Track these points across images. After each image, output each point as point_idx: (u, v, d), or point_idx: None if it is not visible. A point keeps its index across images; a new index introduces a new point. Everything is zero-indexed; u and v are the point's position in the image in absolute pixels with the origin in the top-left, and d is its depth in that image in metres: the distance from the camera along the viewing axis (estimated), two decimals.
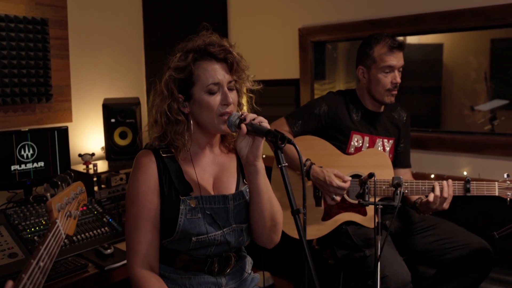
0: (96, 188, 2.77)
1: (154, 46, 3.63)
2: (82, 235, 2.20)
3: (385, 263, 2.02)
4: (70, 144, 2.75)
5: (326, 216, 2.37)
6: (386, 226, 2.21)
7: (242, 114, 1.50)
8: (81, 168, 2.87)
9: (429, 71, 3.39)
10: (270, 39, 3.29)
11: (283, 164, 1.40)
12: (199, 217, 1.55)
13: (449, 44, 3.30)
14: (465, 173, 2.56)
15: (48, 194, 1.30)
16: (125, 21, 3.52)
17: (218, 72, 1.54)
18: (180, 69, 1.54)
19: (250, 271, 1.74)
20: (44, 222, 2.24)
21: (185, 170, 1.61)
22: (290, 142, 1.38)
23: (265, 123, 1.47)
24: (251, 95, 1.68)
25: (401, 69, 2.37)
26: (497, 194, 2.14)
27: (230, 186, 1.66)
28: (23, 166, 2.54)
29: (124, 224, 2.41)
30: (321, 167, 2.31)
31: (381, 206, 2.00)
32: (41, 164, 2.60)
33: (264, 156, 2.29)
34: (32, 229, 2.17)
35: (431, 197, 2.14)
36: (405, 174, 2.52)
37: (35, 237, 2.13)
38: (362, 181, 2.08)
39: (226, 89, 1.54)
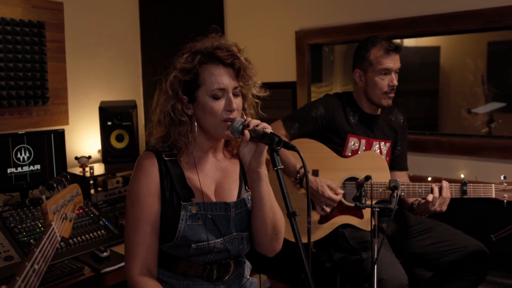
0: (92, 191, 2.77)
1: (150, 49, 3.62)
2: (78, 238, 2.20)
3: (382, 266, 2.02)
4: (66, 147, 2.74)
5: (323, 219, 2.36)
6: (383, 229, 2.21)
7: (245, 120, 1.48)
8: (77, 171, 2.86)
9: (426, 73, 3.39)
10: (267, 41, 3.29)
11: (279, 167, 1.40)
12: (199, 224, 1.53)
13: (446, 46, 3.30)
14: (462, 175, 2.56)
15: (44, 196, 1.30)
16: (121, 24, 3.52)
17: (224, 77, 1.51)
18: (186, 71, 1.52)
19: (248, 277, 1.72)
20: (40, 225, 2.23)
21: (187, 175, 1.58)
22: (294, 149, 1.37)
23: (269, 129, 1.44)
24: (257, 100, 1.65)
25: (398, 72, 2.37)
26: (494, 196, 2.14)
27: (232, 193, 1.64)
28: (19, 169, 2.53)
29: (120, 227, 2.43)
30: (316, 171, 2.30)
31: (378, 209, 2.00)
32: (38, 167, 2.59)
33: None
34: (28, 232, 2.16)
35: (429, 197, 2.14)
36: (402, 177, 2.52)
37: (31, 240, 2.12)
38: (359, 184, 2.09)
39: (231, 94, 1.52)
